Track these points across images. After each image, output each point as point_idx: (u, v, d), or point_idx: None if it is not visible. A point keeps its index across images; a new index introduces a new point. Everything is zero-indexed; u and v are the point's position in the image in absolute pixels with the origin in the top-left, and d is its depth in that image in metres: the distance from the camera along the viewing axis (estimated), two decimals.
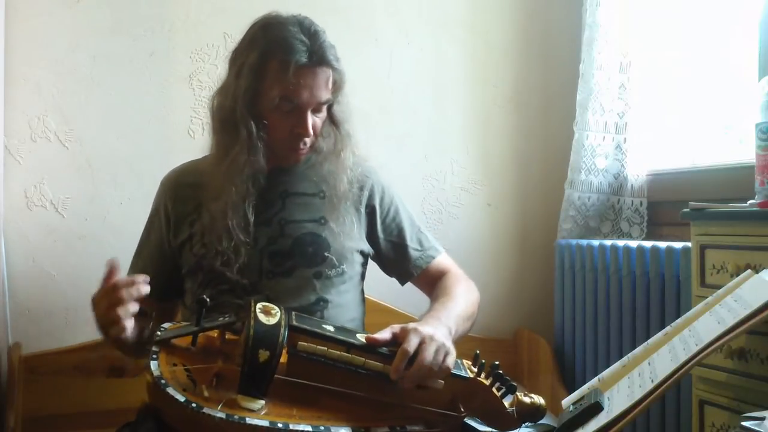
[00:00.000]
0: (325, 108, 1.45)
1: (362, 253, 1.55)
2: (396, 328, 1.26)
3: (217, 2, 2.19)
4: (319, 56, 1.40)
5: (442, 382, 1.23)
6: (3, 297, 1.96)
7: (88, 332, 1.33)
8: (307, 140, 1.44)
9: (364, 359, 1.21)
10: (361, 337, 1.25)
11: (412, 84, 2.37)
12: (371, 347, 1.22)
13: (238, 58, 1.45)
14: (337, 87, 1.45)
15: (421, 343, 1.21)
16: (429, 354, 1.20)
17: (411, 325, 1.26)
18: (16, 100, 2.04)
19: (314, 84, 1.40)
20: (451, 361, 1.24)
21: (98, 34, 2.10)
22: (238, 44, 1.47)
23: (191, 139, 2.15)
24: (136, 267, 1.56)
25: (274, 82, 1.39)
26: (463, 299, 1.47)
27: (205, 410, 1.07)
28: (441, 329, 1.28)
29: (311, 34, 1.41)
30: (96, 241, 2.09)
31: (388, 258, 1.59)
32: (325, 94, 1.42)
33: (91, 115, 2.10)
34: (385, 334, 1.24)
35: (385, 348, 1.23)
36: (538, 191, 2.47)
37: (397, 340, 1.23)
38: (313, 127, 1.43)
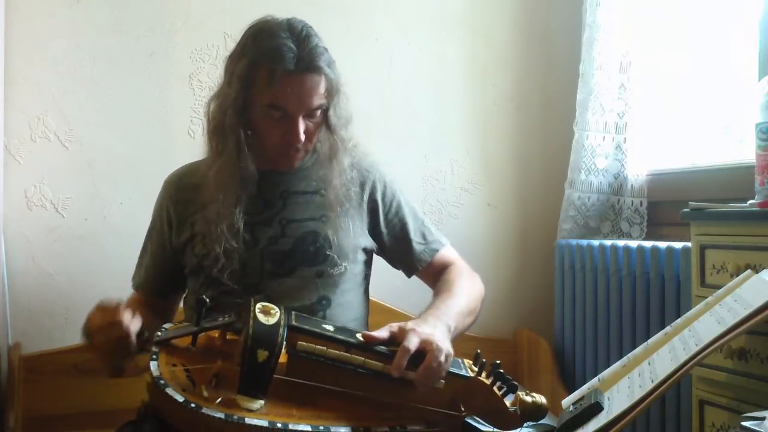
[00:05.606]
0: (319, 113, 1.43)
1: (365, 250, 1.54)
2: (394, 326, 1.25)
3: (217, 2, 2.19)
4: (307, 62, 1.37)
5: (443, 381, 1.23)
6: (3, 297, 1.96)
7: None
8: (300, 146, 1.43)
9: (363, 359, 1.21)
10: (360, 337, 1.24)
11: (412, 84, 2.37)
12: (369, 346, 1.22)
13: (229, 66, 1.45)
14: (331, 92, 1.42)
15: (425, 346, 1.21)
16: (435, 359, 1.20)
17: (409, 324, 1.25)
18: (16, 100, 2.04)
19: (302, 91, 1.38)
20: (448, 362, 1.24)
21: (98, 34, 2.10)
22: (232, 50, 1.46)
23: (191, 139, 2.14)
24: (141, 267, 1.58)
25: (262, 91, 1.38)
26: (465, 294, 1.46)
27: (204, 410, 1.08)
28: (440, 328, 1.28)
29: (301, 39, 1.38)
30: (96, 241, 2.08)
31: (393, 252, 1.59)
32: (316, 101, 1.40)
33: (91, 115, 2.10)
34: (382, 333, 1.24)
35: (384, 347, 1.23)
36: (538, 191, 2.47)
37: (396, 340, 1.23)
38: (306, 132, 1.41)
